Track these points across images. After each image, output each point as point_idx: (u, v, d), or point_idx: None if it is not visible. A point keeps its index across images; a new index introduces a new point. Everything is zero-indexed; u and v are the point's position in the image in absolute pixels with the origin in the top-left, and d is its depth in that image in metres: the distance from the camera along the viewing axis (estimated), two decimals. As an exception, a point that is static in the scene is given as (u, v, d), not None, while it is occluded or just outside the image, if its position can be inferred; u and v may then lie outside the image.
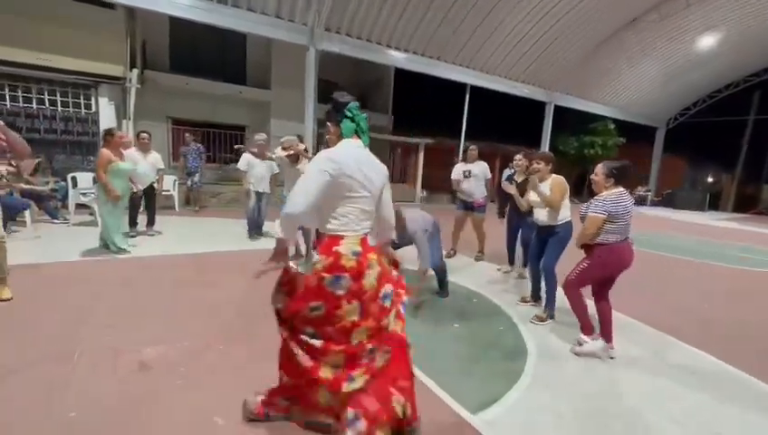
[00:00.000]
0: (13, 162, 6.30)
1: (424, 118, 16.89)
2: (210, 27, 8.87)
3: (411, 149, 13.71)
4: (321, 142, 11.71)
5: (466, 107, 13.36)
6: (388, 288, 1.73)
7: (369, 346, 1.64)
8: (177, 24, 10.49)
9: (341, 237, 1.62)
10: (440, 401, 2.10)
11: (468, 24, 11.16)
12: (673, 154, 20.68)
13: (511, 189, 3.90)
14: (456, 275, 4.53)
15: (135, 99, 8.93)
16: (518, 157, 4.46)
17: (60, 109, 8.31)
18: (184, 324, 2.82)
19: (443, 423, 1.94)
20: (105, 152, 4.39)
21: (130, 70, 8.91)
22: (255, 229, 6.03)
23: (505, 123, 18.93)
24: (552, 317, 3.33)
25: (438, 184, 14.50)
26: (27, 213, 5.65)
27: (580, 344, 2.76)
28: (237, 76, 12.34)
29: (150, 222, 5.74)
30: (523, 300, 3.77)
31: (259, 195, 5.87)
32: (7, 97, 7.88)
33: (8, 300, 2.99)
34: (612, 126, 17.65)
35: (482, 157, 5.45)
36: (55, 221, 6.20)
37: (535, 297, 3.74)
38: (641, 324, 3.41)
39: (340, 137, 1.72)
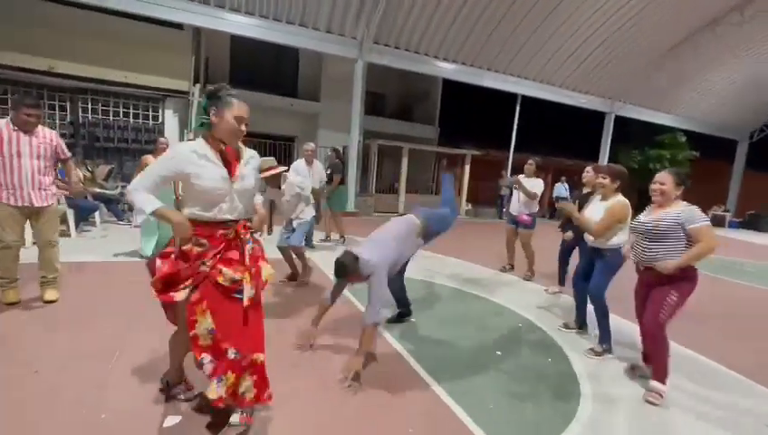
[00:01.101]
0: (89, 168, 6.99)
1: (471, 129, 16.53)
2: (266, 43, 9.36)
3: (457, 161, 13.40)
4: (367, 153, 11.84)
5: (516, 118, 12.87)
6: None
7: None
8: (237, 41, 11.21)
9: None
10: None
11: (521, 32, 10.79)
12: (756, 170, 18.38)
13: (568, 208, 3.27)
14: (500, 294, 4.24)
15: (196, 112, 9.59)
16: (587, 169, 4.13)
17: (131, 120, 9.15)
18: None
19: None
20: (146, 158, 4.67)
21: (194, 84, 9.62)
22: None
23: (559, 135, 17.98)
24: (609, 352, 2.95)
25: (485, 197, 14.02)
26: (97, 214, 6.19)
27: (661, 395, 2.32)
28: (290, 89, 12.89)
29: None
30: (566, 326, 3.41)
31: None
32: (89, 110, 8.82)
33: (53, 302, 3.08)
34: (683, 138, 16.09)
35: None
36: (120, 222, 6.74)
37: (580, 323, 3.37)
38: (728, 371, 2.91)
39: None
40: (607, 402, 2.31)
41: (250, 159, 1.80)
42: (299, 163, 5.92)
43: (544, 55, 11.70)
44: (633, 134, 16.22)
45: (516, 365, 2.70)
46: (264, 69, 12.66)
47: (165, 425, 1.81)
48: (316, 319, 2.68)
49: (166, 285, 1.63)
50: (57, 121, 8.62)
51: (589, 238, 3.03)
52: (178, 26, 8.97)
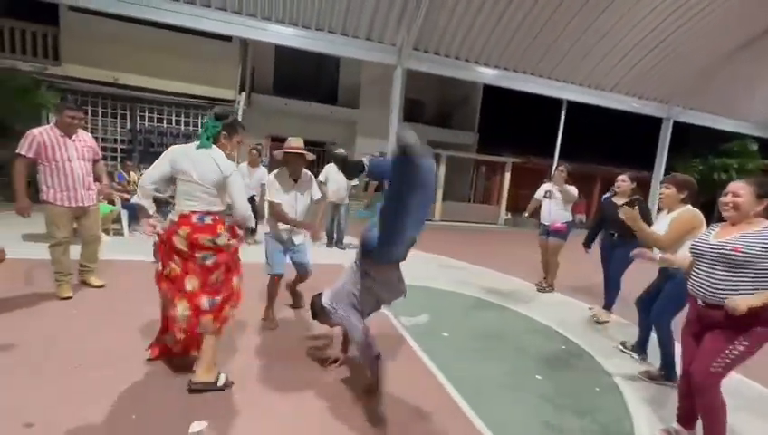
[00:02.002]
0: (143, 170, 7.47)
1: (512, 136, 15.99)
2: (308, 53, 9.61)
3: (497, 169, 12.99)
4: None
5: (562, 124, 12.28)
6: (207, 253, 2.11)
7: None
8: (281, 50, 11.62)
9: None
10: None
11: (567, 36, 10.30)
12: None
13: (630, 217, 2.70)
14: (541, 311, 3.97)
15: (242, 119, 10.02)
16: (622, 178, 3.78)
17: (182, 127, 9.73)
18: (256, 336, 2.86)
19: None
20: None
21: (240, 93, 10.06)
22: (334, 241, 6.35)
23: (609, 142, 16.96)
24: (669, 379, 2.65)
25: (526, 206, 13.47)
26: (147, 215, 6.56)
27: None
28: (330, 97, 13.16)
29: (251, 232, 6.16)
30: (624, 345, 3.11)
31: (337, 206, 6.12)
32: (146, 118, 9.48)
33: (101, 286, 3.45)
34: (755, 146, 14.56)
35: (579, 179, 4.85)
36: (168, 224, 7.12)
37: (639, 350, 3.06)
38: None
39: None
40: (666, 444, 2.03)
41: None
42: (330, 168, 6.04)
43: (593, 59, 11.08)
44: (692, 141, 14.94)
45: (559, 393, 2.46)
46: (305, 77, 13.03)
47: (191, 431, 1.81)
48: (343, 347, 2.56)
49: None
50: (118, 128, 9.34)
51: (657, 257, 2.72)
52: (227, 39, 9.44)
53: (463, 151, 13.49)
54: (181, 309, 2.08)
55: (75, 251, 3.39)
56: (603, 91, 12.00)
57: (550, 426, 2.11)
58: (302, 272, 3.22)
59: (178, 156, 2.14)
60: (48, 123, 3.21)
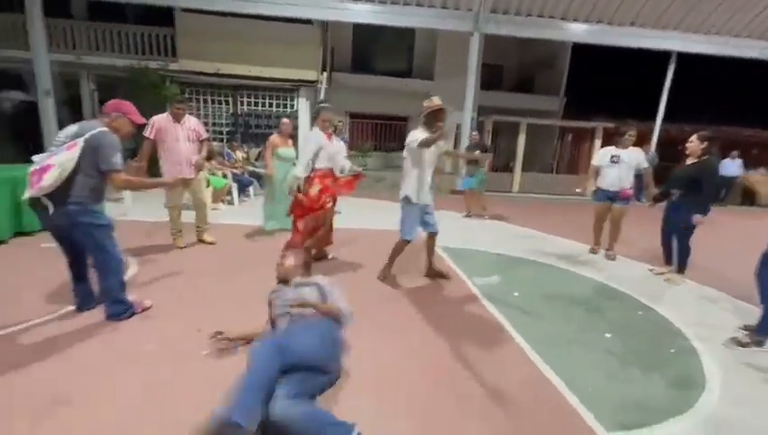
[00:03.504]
0: (245, 147, 8.58)
1: (605, 98, 14.42)
2: (384, 28, 9.79)
3: (585, 136, 11.94)
4: (480, 130, 11.52)
5: (668, 81, 10.76)
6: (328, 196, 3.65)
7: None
8: (358, 28, 11.96)
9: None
10: (578, 416, 1.88)
11: (679, -26, 8.86)
12: None
13: None
14: (618, 279, 3.88)
15: (324, 97, 10.72)
16: (692, 139, 3.67)
17: (274, 109, 10.78)
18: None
19: None
20: (272, 138, 5.01)
21: (321, 74, 10.72)
22: None
23: (733, 99, 14.34)
24: (759, 344, 2.53)
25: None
26: (251, 188, 7.63)
27: None
28: (404, 70, 13.25)
29: None
30: (746, 328, 2.78)
31: None
32: (245, 102, 10.70)
33: (213, 243, 4.26)
34: None
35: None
36: (267, 195, 8.18)
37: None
38: None
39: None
40: (737, 402, 2.02)
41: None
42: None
43: (709, 3, 9.38)
44: None
45: (628, 350, 2.52)
46: (382, 53, 13.26)
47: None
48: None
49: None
50: (223, 113, 10.72)
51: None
52: (308, 22, 10.06)
53: (546, 118, 12.64)
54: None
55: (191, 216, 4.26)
56: (726, 36, 10.16)
57: (610, 374, 2.22)
58: (436, 231, 3.49)
59: (314, 137, 3.56)
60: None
